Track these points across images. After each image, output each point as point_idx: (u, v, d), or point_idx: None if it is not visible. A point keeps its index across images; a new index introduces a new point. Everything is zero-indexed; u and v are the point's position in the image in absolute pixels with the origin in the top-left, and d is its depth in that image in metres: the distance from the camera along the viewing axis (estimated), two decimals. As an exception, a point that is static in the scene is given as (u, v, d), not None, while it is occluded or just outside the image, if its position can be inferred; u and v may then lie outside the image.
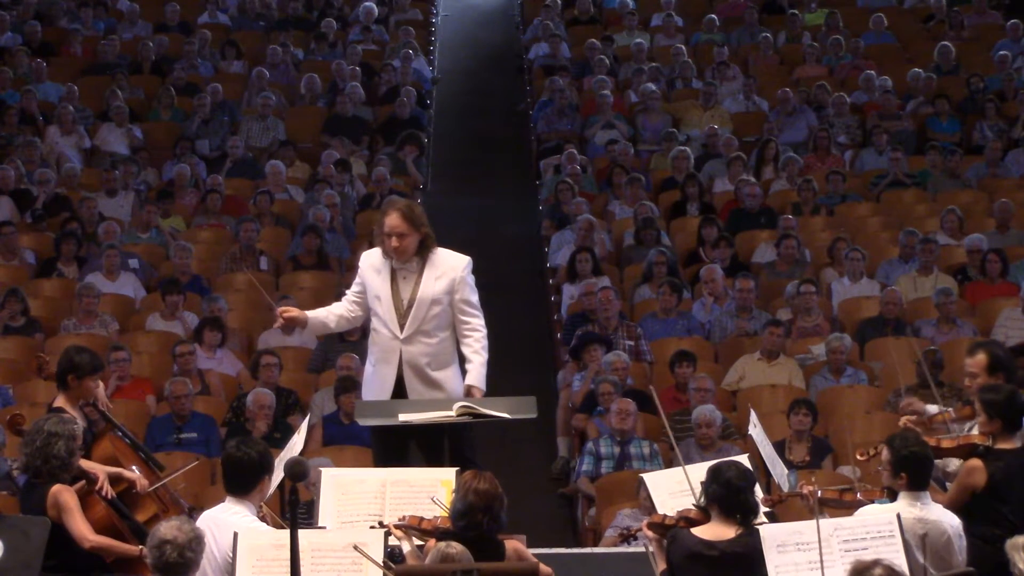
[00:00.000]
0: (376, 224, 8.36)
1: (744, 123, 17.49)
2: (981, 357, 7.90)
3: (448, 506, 6.97)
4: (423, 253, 8.19)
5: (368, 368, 8.37)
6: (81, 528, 7.31)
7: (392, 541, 6.89)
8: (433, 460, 8.08)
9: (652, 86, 17.58)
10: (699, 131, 17.09)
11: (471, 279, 8.30)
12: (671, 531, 6.94)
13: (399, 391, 8.15)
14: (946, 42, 18.57)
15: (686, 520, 6.98)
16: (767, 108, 17.59)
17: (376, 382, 8.23)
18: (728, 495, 6.82)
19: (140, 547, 7.32)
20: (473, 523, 6.72)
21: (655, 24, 19.80)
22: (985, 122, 16.93)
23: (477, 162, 17.95)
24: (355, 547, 6.41)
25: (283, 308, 8.40)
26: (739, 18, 19.70)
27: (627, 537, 7.43)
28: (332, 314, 8.46)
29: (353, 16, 20.05)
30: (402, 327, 8.15)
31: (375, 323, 8.27)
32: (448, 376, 8.23)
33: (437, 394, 8.09)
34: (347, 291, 8.54)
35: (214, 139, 16.96)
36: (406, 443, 8.19)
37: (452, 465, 7.54)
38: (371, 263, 8.34)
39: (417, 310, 8.15)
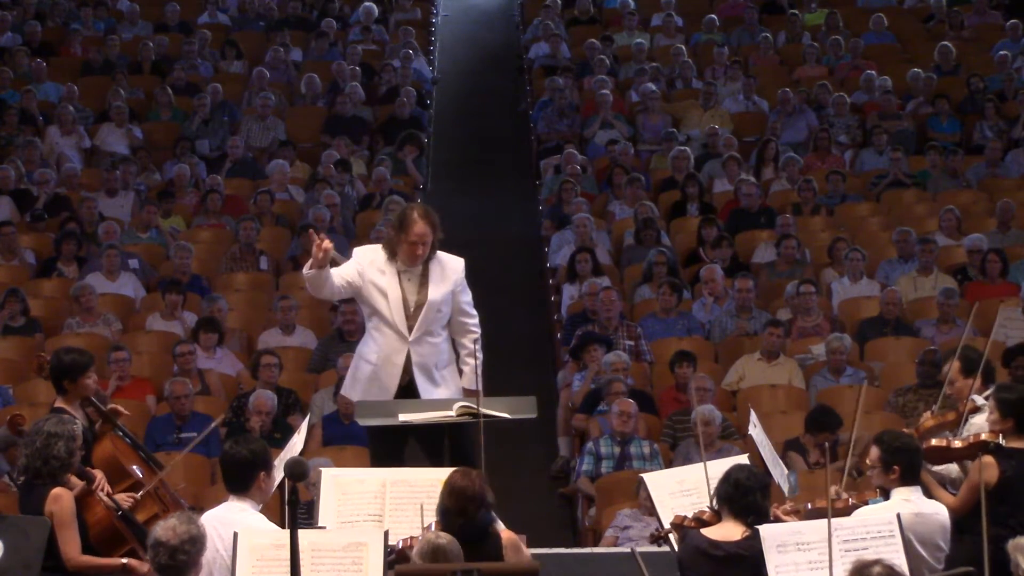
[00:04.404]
0: (394, 226, 8.18)
1: (744, 123, 17.48)
2: (954, 364, 8.04)
3: None
4: (431, 255, 8.19)
5: (364, 367, 8.28)
6: (68, 546, 7.28)
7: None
8: (434, 459, 8.07)
9: (652, 86, 17.56)
10: (699, 131, 17.08)
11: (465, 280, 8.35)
12: (683, 531, 6.99)
13: (408, 391, 8.14)
14: (946, 42, 18.56)
15: (698, 521, 7.01)
16: (767, 108, 17.58)
17: (378, 382, 8.20)
18: (736, 496, 6.83)
19: (123, 561, 7.34)
20: (449, 526, 6.66)
21: (655, 24, 19.78)
22: (985, 122, 16.92)
23: (477, 162, 17.94)
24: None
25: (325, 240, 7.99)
26: (739, 18, 19.69)
27: (657, 539, 7.41)
28: (338, 277, 8.16)
29: (353, 16, 20.04)
30: (411, 328, 8.15)
31: (376, 323, 8.23)
32: (451, 374, 8.29)
33: (443, 392, 8.11)
34: (341, 269, 8.25)
35: (214, 139, 16.95)
36: (404, 443, 8.17)
37: (453, 464, 7.48)
38: (372, 261, 8.25)
39: (427, 312, 8.15)
